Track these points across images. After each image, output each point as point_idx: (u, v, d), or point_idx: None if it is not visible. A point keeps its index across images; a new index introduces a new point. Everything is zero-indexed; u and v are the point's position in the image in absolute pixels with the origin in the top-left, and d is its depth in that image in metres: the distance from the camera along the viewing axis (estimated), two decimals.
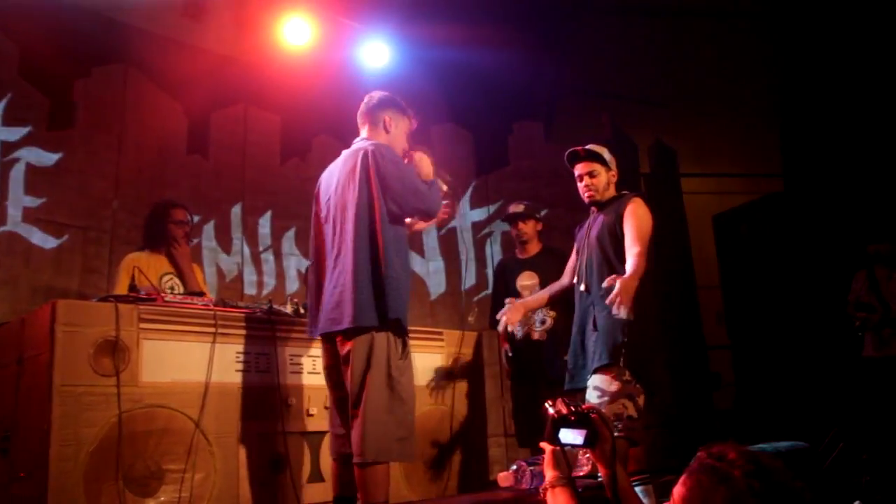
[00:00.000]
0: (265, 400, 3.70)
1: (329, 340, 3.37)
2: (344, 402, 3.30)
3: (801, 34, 8.21)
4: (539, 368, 4.82)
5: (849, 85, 7.44)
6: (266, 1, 6.29)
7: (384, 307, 3.17)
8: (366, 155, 3.34)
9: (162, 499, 3.27)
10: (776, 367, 7.16)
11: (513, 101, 7.53)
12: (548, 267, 4.82)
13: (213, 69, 6.30)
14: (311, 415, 3.83)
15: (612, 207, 3.83)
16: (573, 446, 2.09)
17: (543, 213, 5.48)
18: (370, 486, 3.11)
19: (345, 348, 3.22)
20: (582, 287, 3.78)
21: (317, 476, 3.80)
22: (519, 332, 4.84)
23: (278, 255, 6.32)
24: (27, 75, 5.26)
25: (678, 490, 1.61)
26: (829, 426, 4.75)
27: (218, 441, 3.50)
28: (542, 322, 4.88)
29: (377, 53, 6.81)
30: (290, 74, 6.36)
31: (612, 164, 3.94)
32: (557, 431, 2.08)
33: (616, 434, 2.20)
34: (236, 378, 3.64)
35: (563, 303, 4.31)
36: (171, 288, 4.40)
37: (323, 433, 3.83)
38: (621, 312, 3.17)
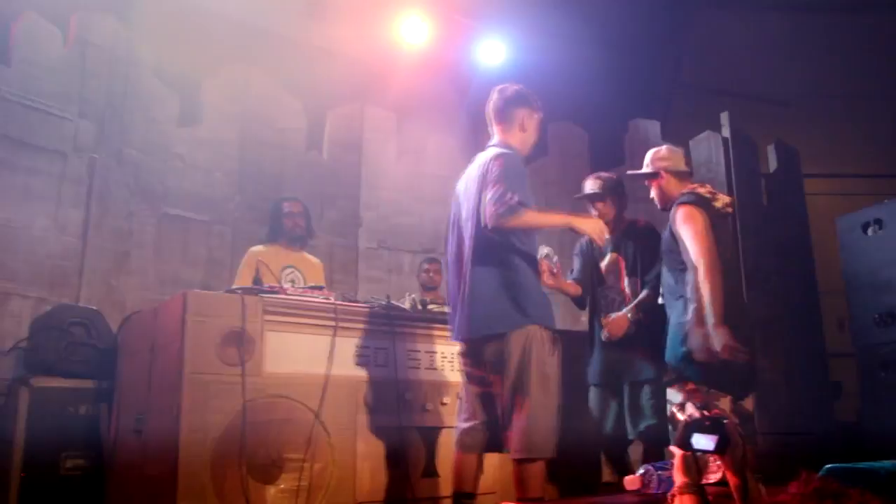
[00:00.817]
0: (383, 394, 3.74)
1: (474, 341, 3.34)
2: (487, 397, 3.31)
3: None
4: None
5: None
6: (384, 0, 6.39)
7: (523, 308, 3.16)
8: (489, 161, 3.29)
9: (282, 486, 3.35)
10: None
11: (629, 99, 7.40)
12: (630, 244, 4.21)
13: (331, 68, 6.45)
14: (428, 410, 3.84)
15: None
16: (704, 452, 2.03)
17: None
18: (530, 482, 3.09)
19: (494, 348, 3.20)
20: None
21: (431, 471, 3.81)
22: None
23: (392, 251, 6.39)
24: (159, 74, 5.51)
25: None
26: None
27: (336, 433, 3.55)
28: None
29: (493, 51, 6.82)
30: (406, 73, 6.44)
31: (661, 165, 3.69)
32: (689, 436, 2.02)
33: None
34: (355, 371, 3.69)
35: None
36: (292, 281, 4.51)
37: (439, 428, 3.85)
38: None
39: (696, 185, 3.68)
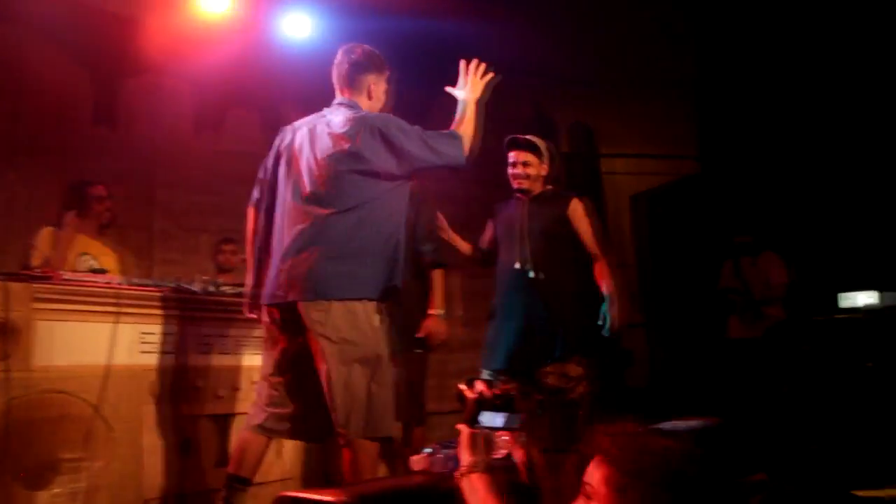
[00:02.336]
0: (171, 382, 3.52)
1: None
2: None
3: (718, 16, 8.31)
4: None
5: (766, 69, 7.58)
6: None
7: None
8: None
9: (56, 490, 3.08)
10: (688, 345, 7.36)
11: (435, 74, 7.41)
12: None
13: (122, 34, 6.00)
14: (220, 397, 3.68)
15: (550, 201, 4.06)
16: (492, 429, 2.02)
17: None
18: (366, 464, 3.01)
19: (318, 315, 3.00)
20: (532, 274, 3.94)
21: (224, 460, 3.65)
22: None
23: (190, 231, 6.09)
24: None
25: (596, 473, 1.53)
26: (734, 403, 4.95)
27: (120, 426, 3.31)
28: None
29: (299, 24, 6.62)
30: (205, 43, 6.10)
31: (547, 159, 4.06)
32: (477, 413, 2.01)
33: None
34: (141, 360, 3.44)
35: None
36: (90, 268, 4.18)
37: (233, 415, 3.70)
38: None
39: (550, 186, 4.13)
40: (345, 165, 3.06)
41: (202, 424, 3.63)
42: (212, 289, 3.77)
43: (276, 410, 3.13)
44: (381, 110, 3.33)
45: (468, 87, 3.36)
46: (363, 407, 2.97)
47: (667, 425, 2.96)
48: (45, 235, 4.40)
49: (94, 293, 3.36)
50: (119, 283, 3.50)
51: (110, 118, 5.98)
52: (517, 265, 3.98)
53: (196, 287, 3.75)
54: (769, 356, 6.05)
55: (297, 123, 3.29)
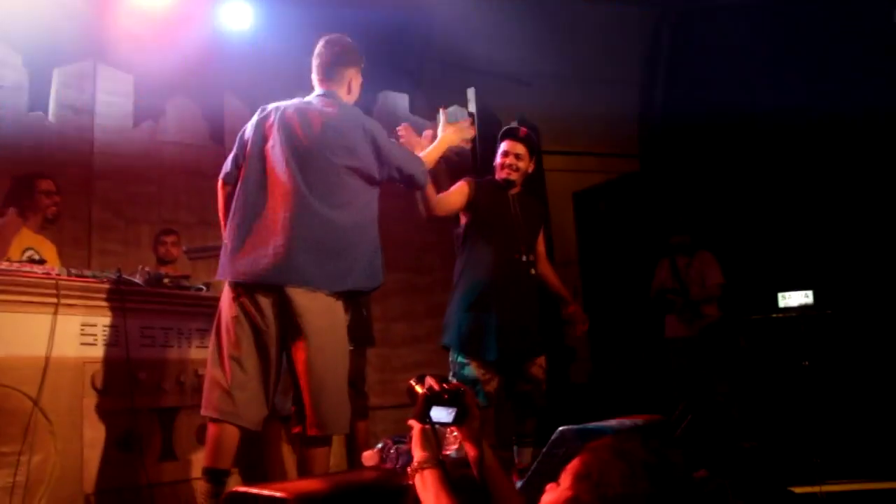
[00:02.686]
0: (113, 375, 3.45)
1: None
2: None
3: (666, 17, 8.50)
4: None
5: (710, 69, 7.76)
6: None
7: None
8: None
9: None
10: (630, 342, 7.48)
11: (378, 71, 7.40)
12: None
13: (56, 19, 5.85)
14: (164, 389, 3.63)
15: (534, 203, 4.16)
16: (443, 424, 2.04)
17: None
18: (318, 461, 3.04)
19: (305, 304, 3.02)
20: (533, 270, 3.98)
21: (168, 454, 3.62)
22: None
23: (130, 222, 5.96)
24: None
25: (574, 464, 1.57)
26: (675, 399, 5.05)
27: (60, 420, 3.24)
28: None
29: (239, 14, 6.57)
30: (144, 30, 6.00)
31: (533, 160, 4.09)
32: (428, 409, 2.02)
33: None
34: (81, 352, 3.38)
35: None
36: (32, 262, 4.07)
37: (177, 409, 3.67)
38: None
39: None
40: (339, 161, 3.08)
41: (145, 418, 3.57)
42: (155, 281, 3.72)
43: (240, 394, 3.00)
44: (354, 104, 3.34)
45: (453, 131, 3.56)
46: (336, 401, 3.00)
47: (612, 422, 3.03)
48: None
49: (33, 283, 3.27)
50: (58, 274, 3.42)
51: (46, 107, 5.82)
52: (521, 256, 3.92)
53: (138, 279, 3.70)
54: (706, 355, 6.20)
55: (280, 105, 3.22)
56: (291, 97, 3.27)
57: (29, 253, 4.29)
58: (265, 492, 1.90)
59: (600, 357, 8.05)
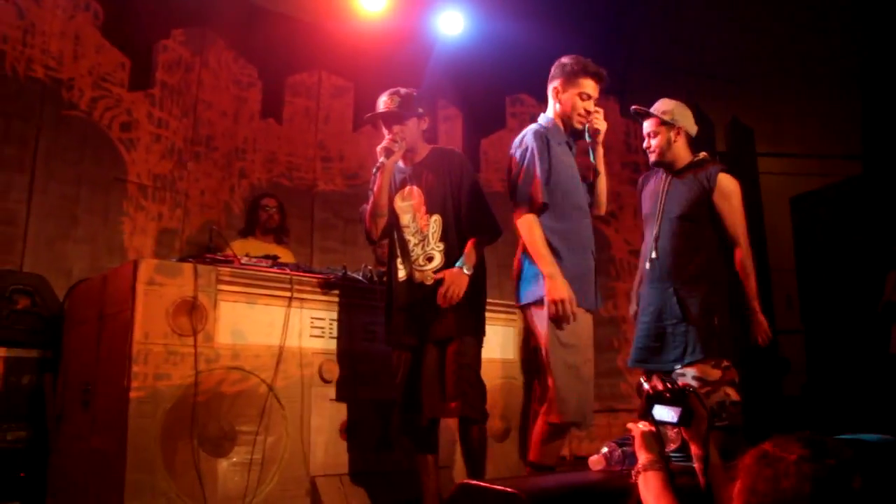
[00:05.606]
0: (338, 366, 3.69)
1: None
2: None
3: (885, 9, 7.86)
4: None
5: None
6: None
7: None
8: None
9: (234, 459, 3.29)
10: (849, 354, 6.99)
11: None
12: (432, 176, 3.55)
13: (288, 34, 6.30)
14: (381, 382, 3.80)
15: (693, 175, 3.58)
16: (667, 424, 2.02)
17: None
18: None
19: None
20: (653, 255, 3.58)
21: (387, 443, 3.79)
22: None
23: (347, 222, 6.30)
24: (110, 36, 5.30)
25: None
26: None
27: (291, 405, 3.50)
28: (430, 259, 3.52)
29: (452, 21, 6.76)
30: (364, 41, 6.33)
31: (679, 120, 3.61)
32: (651, 408, 2.02)
33: (720, 423, 2.15)
34: (310, 343, 3.63)
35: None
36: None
37: (391, 401, 3.81)
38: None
39: (702, 153, 3.68)
40: None
41: (364, 408, 3.76)
42: (376, 279, 3.91)
43: None
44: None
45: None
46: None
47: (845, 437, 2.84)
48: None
49: (271, 278, 3.56)
50: (292, 270, 3.69)
51: (277, 113, 6.28)
52: (653, 254, 3.59)
53: (359, 276, 3.91)
54: None
55: None
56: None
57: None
58: (497, 486, 1.95)
59: (816, 370, 7.57)
